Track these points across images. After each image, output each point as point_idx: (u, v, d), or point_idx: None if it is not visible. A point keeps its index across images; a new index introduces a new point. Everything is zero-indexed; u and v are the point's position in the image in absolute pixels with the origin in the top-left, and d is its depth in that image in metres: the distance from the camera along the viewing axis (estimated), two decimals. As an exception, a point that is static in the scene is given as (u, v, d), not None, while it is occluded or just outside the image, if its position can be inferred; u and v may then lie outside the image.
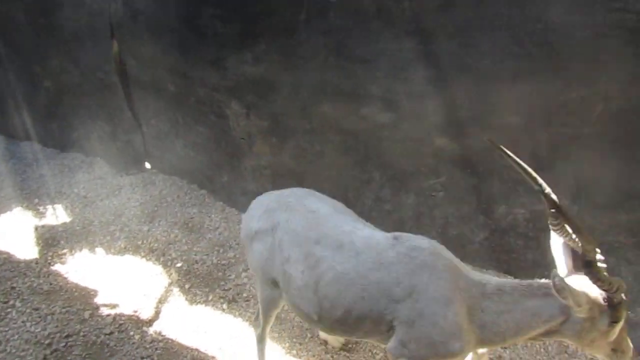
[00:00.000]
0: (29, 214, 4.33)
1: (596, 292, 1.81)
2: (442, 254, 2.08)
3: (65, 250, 3.82)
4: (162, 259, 3.74)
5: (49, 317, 3.15)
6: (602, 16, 2.47)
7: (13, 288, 3.40)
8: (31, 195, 4.67)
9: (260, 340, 2.67)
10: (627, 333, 1.95)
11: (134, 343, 2.98)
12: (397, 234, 2.16)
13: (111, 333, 3.05)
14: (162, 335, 3.04)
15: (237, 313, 3.20)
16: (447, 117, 3.15)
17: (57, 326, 3.08)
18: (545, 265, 3.17)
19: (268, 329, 2.63)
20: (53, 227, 4.15)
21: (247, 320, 3.14)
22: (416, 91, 3.18)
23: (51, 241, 3.95)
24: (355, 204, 3.81)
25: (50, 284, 3.46)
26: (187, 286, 3.45)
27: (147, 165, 5.02)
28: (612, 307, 1.81)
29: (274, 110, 3.86)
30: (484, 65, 2.90)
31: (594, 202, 2.87)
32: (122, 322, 3.14)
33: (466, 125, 3.11)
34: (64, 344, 2.96)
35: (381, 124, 3.42)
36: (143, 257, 3.76)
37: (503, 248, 3.34)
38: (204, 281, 3.49)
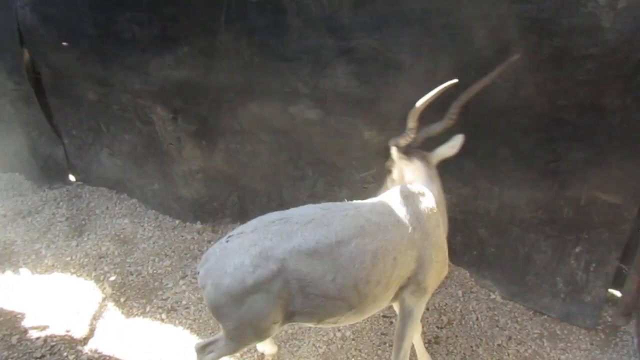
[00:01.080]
0: None
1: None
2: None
3: (-14, 274, 3.59)
4: (93, 273, 3.59)
5: (-28, 347, 2.95)
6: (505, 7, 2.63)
7: None
8: (-57, 219, 4.34)
9: None
10: None
11: (68, 364, 2.86)
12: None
13: (42, 356, 2.90)
14: (98, 353, 2.93)
15: (177, 322, 3.14)
16: (373, 110, 3.24)
17: (-19, 355, 2.90)
18: (474, 245, 3.34)
19: None
20: (-30, 250, 3.88)
21: (187, 329, 3.08)
22: (341, 86, 3.24)
23: (-31, 266, 3.70)
24: (290, 201, 3.84)
25: (-29, 312, 3.24)
26: (122, 299, 3.34)
27: (72, 177, 4.79)
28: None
29: (201, 113, 3.80)
30: (403, 58, 3.00)
31: (513, 183, 3.05)
32: (53, 343, 2.99)
33: (391, 117, 3.20)
34: (-10, 373, 2.79)
35: (310, 121, 3.45)
36: (73, 273, 3.60)
37: (434, 233, 3.47)
38: (140, 292, 3.39)
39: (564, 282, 3.05)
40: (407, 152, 2.41)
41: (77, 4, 3.81)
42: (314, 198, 3.75)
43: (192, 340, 2.99)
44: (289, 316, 2.15)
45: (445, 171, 3.21)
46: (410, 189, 2.32)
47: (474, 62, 2.79)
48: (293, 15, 3.16)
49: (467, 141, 3.05)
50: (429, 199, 2.30)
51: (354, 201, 2.36)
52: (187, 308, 3.24)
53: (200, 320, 3.14)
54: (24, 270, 3.65)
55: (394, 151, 2.44)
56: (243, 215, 4.04)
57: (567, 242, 2.98)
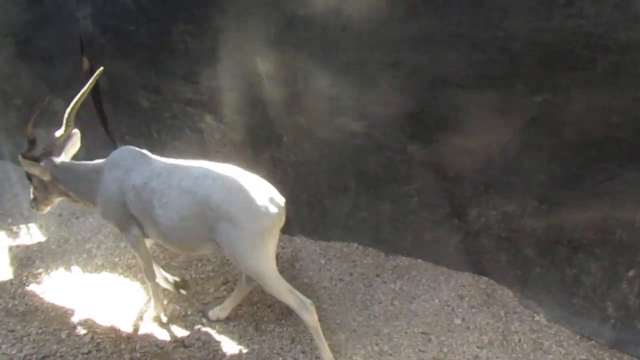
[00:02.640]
0: (2, 234, 4.26)
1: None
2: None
3: (40, 270, 3.78)
4: (139, 275, 3.71)
5: (25, 339, 3.10)
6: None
7: (-13, 311, 3.35)
8: (4, 215, 4.60)
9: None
10: None
11: (112, 361, 2.96)
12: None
13: (89, 352, 3.02)
14: (141, 352, 3.02)
15: (216, 326, 3.20)
16: (417, 125, 3.22)
17: (33, 347, 3.04)
18: (518, 264, 3.26)
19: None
20: (28, 246, 4.09)
21: (227, 334, 3.14)
22: (386, 100, 3.24)
23: (26, 261, 3.90)
24: (332, 212, 3.86)
25: (26, 305, 3.41)
26: (165, 302, 3.43)
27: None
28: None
29: (248, 122, 3.89)
30: (449, 73, 2.98)
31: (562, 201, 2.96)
32: (100, 340, 3.11)
33: (435, 131, 3.18)
34: (40, 365, 2.92)
35: (354, 133, 3.47)
36: (120, 274, 3.74)
37: (477, 250, 3.41)
38: (182, 295, 3.48)
39: (614, 307, 2.92)
40: (36, 158, 3.02)
41: (134, 16, 3.99)
42: (356, 209, 3.76)
43: (231, 345, 3.04)
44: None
45: (491, 188, 3.17)
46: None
47: (524, 77, 2.75)
48: (340, 29, 3.20)
49: (514, 158, 3.01)
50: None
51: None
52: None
53: (240, 326, 3.19)
54: (76, 268, 3.82)
55: (21, 160, 3.03)
56: (285, 224, 4.08)
57: (619, 264, 2.85)
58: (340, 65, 3.30)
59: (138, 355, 2.99)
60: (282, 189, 3.96)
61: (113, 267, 3.80)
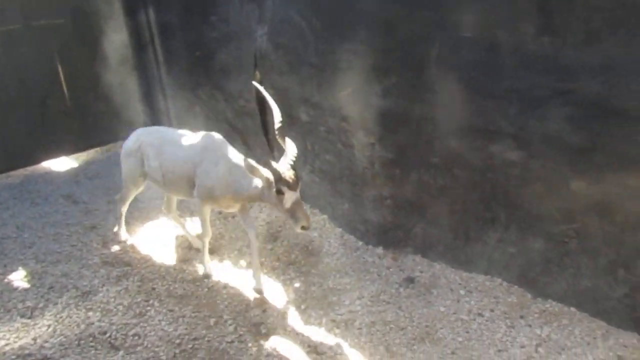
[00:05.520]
0: (171, 224, 4.83)
1: (267, 172, 3.19)
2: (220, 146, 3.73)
3: (198, 260, 4.20)
4: (282, 277, 3.93)
5: (180, 320, 3.47)
6: None
7: (154, 289, 3.81)
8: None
9: (121, 216, 4.46)
10: (302, 209, 3.22)
11: (251, 354, 3.16)
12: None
13: (232, 342, 3.27)
14: (276, 351, 3.18)
15: (348, 339, 3.25)
16: (585, 160, 2.95)
17: (186, 329, 3.38)
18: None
19: (127, 203, 4.40)
20: (189, 238, 4.58)
21: (356, 347, 3.17)
22: (551, 130, 3.03)
23: (187, 250, 4.37)
24: (476, 242, 3.70)
25: (184, 289, 3.82)
26: (302, 306, 3.58)
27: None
28: (276, 182, 3.15)
29: (399, 142, 3.91)
30: (630, 105, 2.68)
31: None
32: (242, 333, 3.35)
33: (606, 168, 2.88)
34: (191, 345, 3.23)
35: (510, 162, 3.29)
36: (265, 274, 3.99)
37: (645, 307, 3.00)
38: (319, 304, 3.60)
39: None
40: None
41: (304, 35, 4.28)
42: (503, 243, 3.55)
43: (357, 358, 3.07)
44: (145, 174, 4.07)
45: None
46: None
47: None
48: (507, 52, 3.07)
49: None
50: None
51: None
52: (359, 328, 3.34)
53: (371, 343, 3.19)
54: (227, 263, 4.18)
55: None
56: (426, 248, 4.01)
57: None
58: (503, 90, 3.17)
59: (274, 353, 3.16)
60: (427, 211, 3.93)
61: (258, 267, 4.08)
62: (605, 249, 3.08)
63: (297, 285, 3.83)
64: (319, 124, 4.52)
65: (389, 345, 3.18)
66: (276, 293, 3.77)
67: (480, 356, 3.04)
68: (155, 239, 4.59)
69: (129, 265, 4.12)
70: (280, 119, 3.33)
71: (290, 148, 3.31)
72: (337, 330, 3.33)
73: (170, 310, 3.57)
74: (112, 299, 3.68)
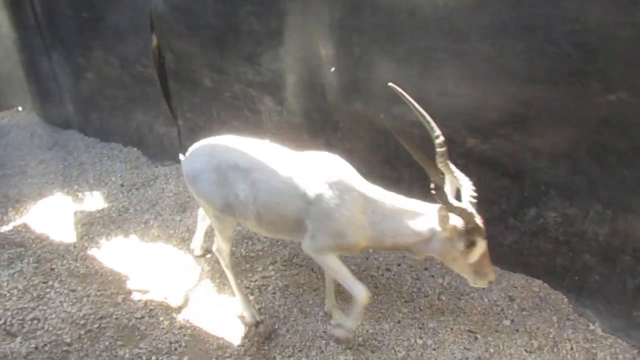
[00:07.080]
0: (69, 200, 4.52)
1: (456, 219, 2.34)
2: (345, 174, 2.68)
3: (101, 236, 3.98)
4: (190, 247, 3.84)
5: (85, 299, 3.29)
6: (643, 18, 2.42)
7: (52, 269, 3.56)
8: (71, 182, 4.87)
9: (228, 266, 3.17)
10: (489, 260, 2.45)
11: (163, 328, 3.08)
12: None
13: (142, 317, 3.16)
14: (190, 323, 3.13)
15: (262, 304, 3.27)
16: (479, 116, 3.13)
17: (91, 308, 3.22)
18: (576, 270, 3.13)
19: (230, 251, 3.16)
20: (91, 212, 4.31)
21: (272, 312, 3.20)
22: (448, 90, 3.16)
23: (88, 226, 4.12)
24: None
25: (87, 267, 3.61)
26: (216, 275, 3.54)
27: (182, 156, 5.14)
28: (468, 232, 2.34)
29: (306, 107, 3.90)
30: (519, 66, 2.87)
31: (630, 207, 2.80)
32: (152, 307, 3.25)
33: (498, 125, 3.08)
34: (97, 325, 3.09)
35: (412, 123, 3.41)
36: (175, 245, 3.88)
37: (532, 252, 3.30)
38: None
39: (678, 324, 2.76)
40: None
41: (203, -5, 4.08)
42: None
43: (278, 323, 3.10)
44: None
45: (552, 188, 3.05)
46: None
47: (599, 73, 2.61)
48: (407, 15, 3.13)
49: (580, 158, 2.88)
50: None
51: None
52: (273, 293, 3.36)
53: (285, 306, 3.24)
54: (133, 237, 3.99)
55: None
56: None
57: (687, 280, 2.68)
58: (404, 52, 3.24)
59: (187, 325, 3.11)
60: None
61: (168, 239, 3.95)
62: (497, 199, 3.33)
63: (208, 255, 3.76)
64: (224, 90, 4.38)
65: (302, 306, 3.25)
66: (188, 264, 3.68)
67: (389, 309, 3.20)
68: (51, 216, 4.27)
69: (22, 246, 3.81)
70: (441, 137, 2.35)
71: (463, 177, 2.48)
72: (251, 297, 3.33)
73: (73, 291, 3.36)
74: (5, 283, 3.40)
